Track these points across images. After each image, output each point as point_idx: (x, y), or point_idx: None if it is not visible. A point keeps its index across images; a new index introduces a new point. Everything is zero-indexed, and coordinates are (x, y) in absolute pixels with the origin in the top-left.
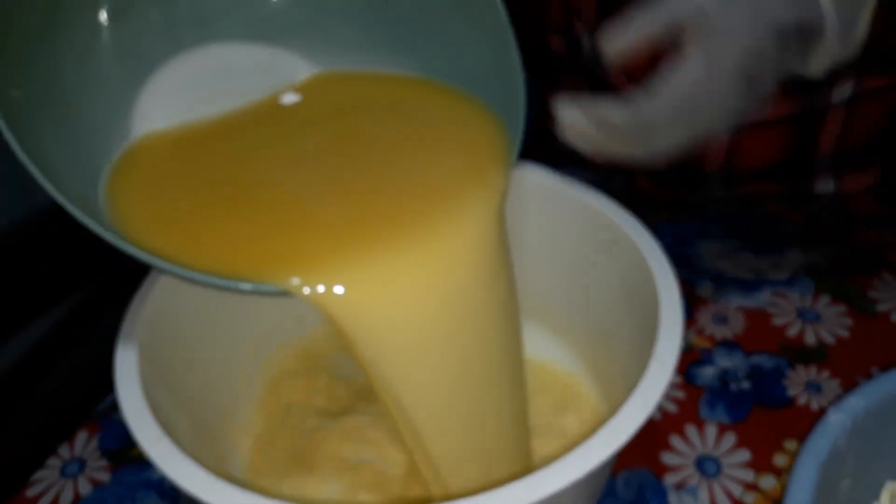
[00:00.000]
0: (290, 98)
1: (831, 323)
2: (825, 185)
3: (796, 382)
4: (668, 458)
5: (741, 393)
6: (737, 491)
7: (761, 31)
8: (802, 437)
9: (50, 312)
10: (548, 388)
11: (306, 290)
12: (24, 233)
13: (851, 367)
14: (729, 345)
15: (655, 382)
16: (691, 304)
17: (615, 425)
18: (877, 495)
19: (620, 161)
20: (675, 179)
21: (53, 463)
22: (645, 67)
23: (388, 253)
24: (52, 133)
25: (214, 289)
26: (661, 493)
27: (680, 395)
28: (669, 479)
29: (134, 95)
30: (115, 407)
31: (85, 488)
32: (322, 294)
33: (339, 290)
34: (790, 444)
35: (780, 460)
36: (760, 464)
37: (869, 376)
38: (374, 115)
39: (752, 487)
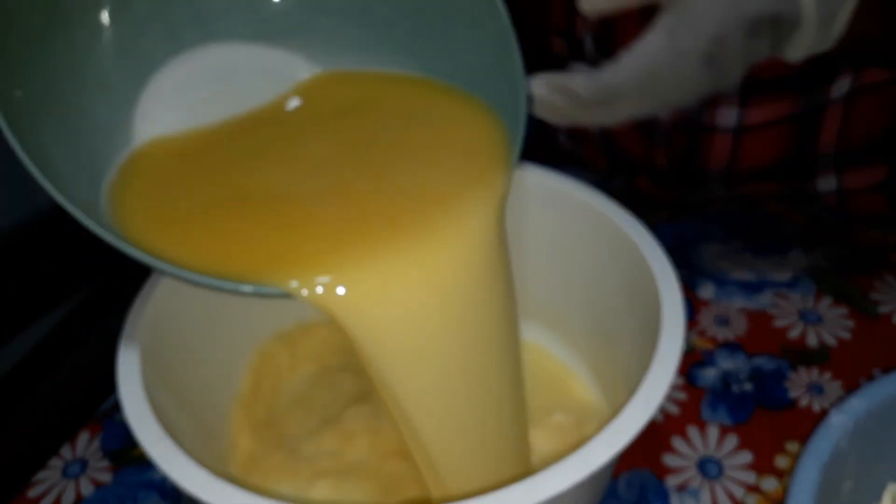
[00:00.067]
0: (294, 100)
1: (833, 324)
2: (827, 183)
3: (798, 384)
4: (669, 460)
5: (743, 394)
6: (739, 493)
7: (733, 20)
8: (804, 438)
9: (52, 313)
10: (549, 389)
11: (306, 292)
12: (25, 234)
13: (853, 369)
14: (731, 346)
15: (657, 384)
16: (693, 306)
17: (617, 427)
18: (878, 497)
19: (587, 126)
20: (675, 179)
21: (55, 463)
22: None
23: (388, 254)
24: (53, 134)
25: (215, 291)
26: (663, 495)
27: (682, 396)
28: (671, 481)
29: (135, 96)
30: (116, 408)
31: (87, 489)
32: (322, 295)
33: (339, 290)
34: (792, 446)
35: (781, 462)
36: (762, 465)
37: (871, 378)
38: (375, 115)
39: (753, 489)
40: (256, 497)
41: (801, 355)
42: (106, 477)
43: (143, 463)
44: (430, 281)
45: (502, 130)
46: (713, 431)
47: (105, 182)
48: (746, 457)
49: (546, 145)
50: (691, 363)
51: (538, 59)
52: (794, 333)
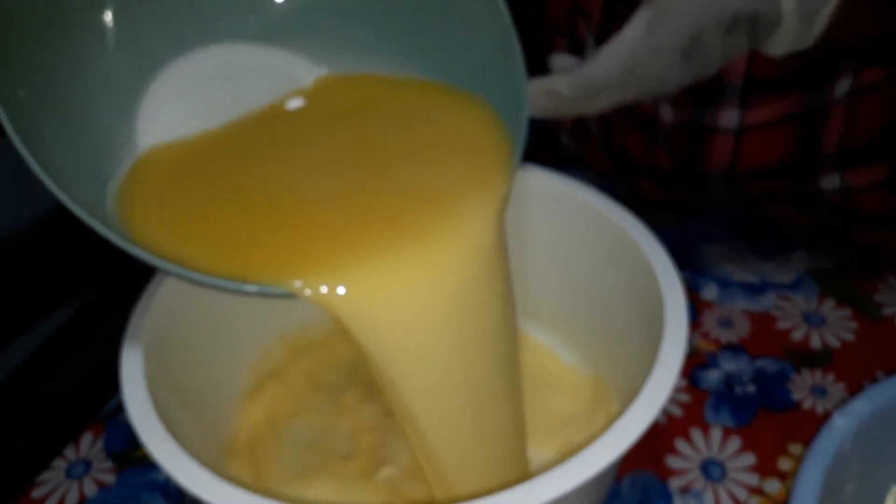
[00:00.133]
0: (297, 102)
1: (836, 327)
2: (830, 181)
3: (801, 386)
4: (673, 462)
5: (746, 397)
6: (742, 495)
7: (710, 18)
8: (807, 441)
9: (55, 315)
10: (552, 390)
11: (309, 292)
12: (28, 235)
13: (857, 371)
14: (734, 348)
15: (660, 385)
16: (696, 307)
17: (620, 428)
18: (882, 499)
19: (567, 117)
20: (677, 180)
21: (59, 464)
22: None
23: (391, 254)
24: (56, 134)
25: (220, 291)
26: (666, 497)
27: (685, 398)
28: (674, 483)
29: (137, 96)
30: (120, 409)
31: (90, 489)
32: (326, 295)
33: (342, 291)
34: (795, 448)
35: (785, 464)
36: (765, 468)
37: (874, 380)
38: (378, 117)
39: (757, 491)
40: (260, 498)
41: (805, 357)
42: (109, 478)
43: (147, 464)
44: (431, 281)
45: (504, 131)
46: (716, 433)
47: (110, 184)
48: (749, 459)
49: (548, 146)
50: (694, 365)
51: (540, 59)
52: (797, 335)
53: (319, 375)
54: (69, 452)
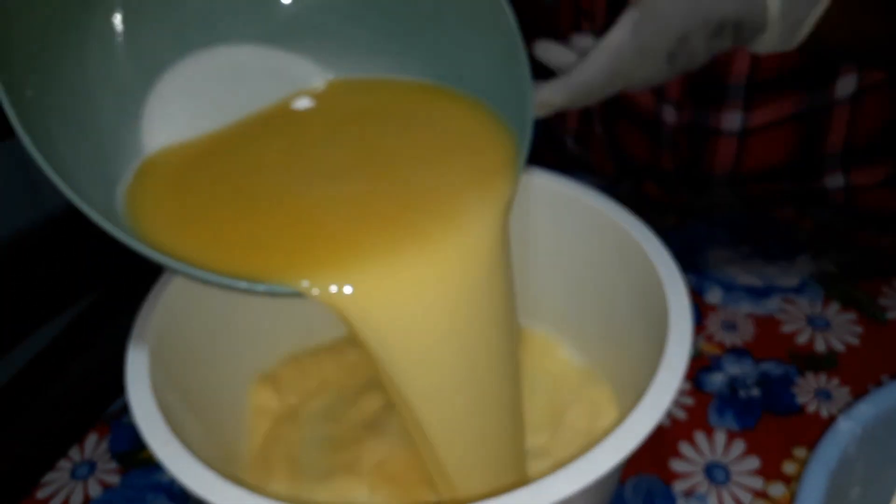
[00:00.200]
0: (303, 104)
1: (841, 330)
2: (835, 181)
3: (806, 390)
4: (677, 465)
5: (750, 400)
6: (746, 498)
7: (696, 23)
8: (812, 444)
9: (60, 316)
10: (557, 393)
11: (317, 291)
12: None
13: (861, 375)
14: (738, 352)
15: (665, 388)
16: (700, 311)
17: (624, 431)
18: (887, 503)
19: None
20: (681, 183)
21: (64, 465)
22: None
23: (398, 255)
24: (62, 134)
25: (228, 290)
26: (670, 500)
27: (689, 401)
28: (678, 486)
29: (143, 97)
30: (125, 410)
31: (95, 490)
32: (334, 294)
33: (350, 290)
34: (799, 452)
35: (789, 468)
36: (770, 471)
37: (879, 384)
38: (385, 121)
39: (761, 495)
40: (264, 499)
41: (809, 361)
42: (114, 479)
43: (152, 465)
44: (436, 282)
45: (510, 135)
46: (720, 437)
47: (119, 185)
48: (754, 462)
49: (553, 150)
50: (699, 368)
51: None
52: (801, 339)
53: (326, 377)
54: (74, 453)
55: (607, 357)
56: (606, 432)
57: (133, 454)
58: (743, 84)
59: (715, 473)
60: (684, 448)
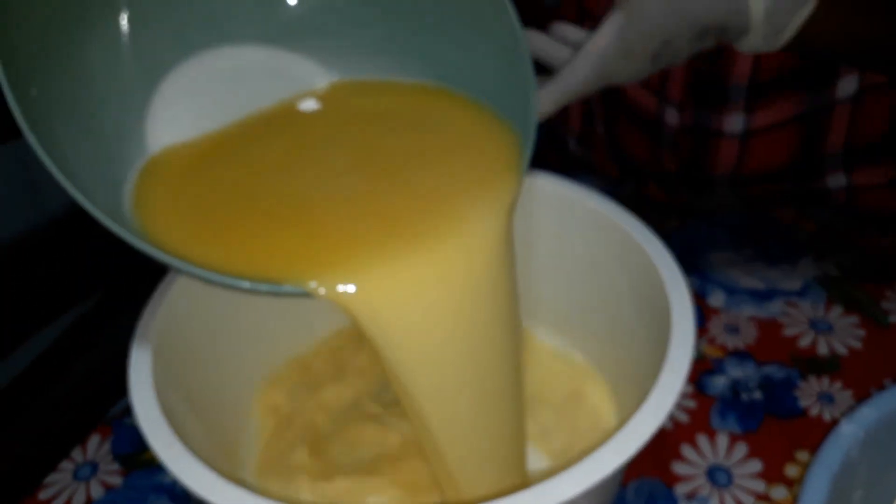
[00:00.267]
0: (307, 105)
1: (844, 333)
2: (836, 181)
3: (808, 393)
4: (679, 468)
5: (753, 403)
6: (748, 501)
7: (683, 26)
8: (814, 448)
9: (63, 317)
10: (560, 395)
11: (324, 291)
12: (36, 238)
13: (864, 378)
14: (741, 355)
15: (667, 391)
16: (703, 313)
17: (626, 434)
18: None
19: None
20: (683, 184)
21: (66, 466)
22: None
23: (403, 255)
24: (67, 134)
25: (235, 290)
26: (672, 503)
27: (691, 404)
28: (680, 489)
29: (147, 97)
30: (127, 411)
31: (97, 492)
32: (341, 294)
33: (356, 290)
34: (802, 455)
35: (791, 471)
36: (772, 474)
37: (881, 387)
38: (388, 122)
39: (763, 498)
40: (267, 501)
41: (812, 364)
42: (116, 480)
43: (154, 466)
44: (441, 282)
45: (513, 137)
46: (723, 440)
47: (124, 185)
48: (756, 465)
49: (556, 152)
50: (701, 371)
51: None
52: (804, 342)
53: (329, 379)
54: (76, 454)
55: (609, 359)
56: (608, 434)
57: (135, 455)
58: (745, 86)
59: (717, 476)
60: (686, 451)
